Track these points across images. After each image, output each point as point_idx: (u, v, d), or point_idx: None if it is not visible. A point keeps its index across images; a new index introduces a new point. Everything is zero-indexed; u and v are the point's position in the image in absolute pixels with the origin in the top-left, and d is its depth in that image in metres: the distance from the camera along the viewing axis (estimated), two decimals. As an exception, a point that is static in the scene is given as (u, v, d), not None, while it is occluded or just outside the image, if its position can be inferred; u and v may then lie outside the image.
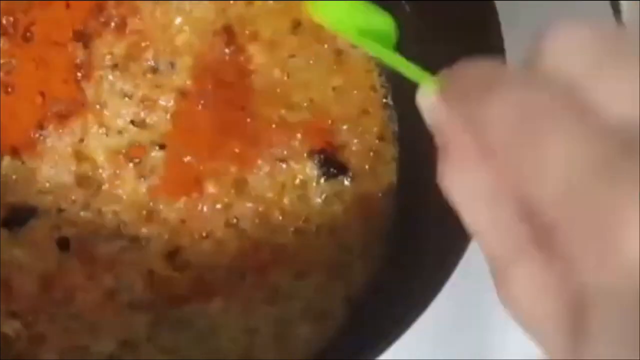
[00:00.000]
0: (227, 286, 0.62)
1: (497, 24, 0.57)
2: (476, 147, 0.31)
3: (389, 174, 0.67)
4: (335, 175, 0.66)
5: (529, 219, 0.30)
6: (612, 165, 0.26)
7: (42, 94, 0.65)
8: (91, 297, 0.61)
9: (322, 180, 0.66)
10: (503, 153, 0.29)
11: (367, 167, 0.67)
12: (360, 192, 0.66)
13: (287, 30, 0.69)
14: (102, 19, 0.67)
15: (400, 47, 0.68)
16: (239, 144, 0.65)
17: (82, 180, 0.64)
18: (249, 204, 0.64)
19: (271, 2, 0.70)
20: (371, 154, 0.67)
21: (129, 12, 0.68)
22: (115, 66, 0.67)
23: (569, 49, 0.29)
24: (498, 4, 0.58)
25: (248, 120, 0.66)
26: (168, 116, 0.66)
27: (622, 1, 0.58)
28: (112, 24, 0.67)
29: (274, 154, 0.66)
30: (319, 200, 0.65)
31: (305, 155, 0.66)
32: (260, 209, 0.64)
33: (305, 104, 0.67)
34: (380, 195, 0.66)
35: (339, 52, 0.70)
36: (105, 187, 0.64)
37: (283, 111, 0.67)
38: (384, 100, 0.69)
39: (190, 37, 0.68)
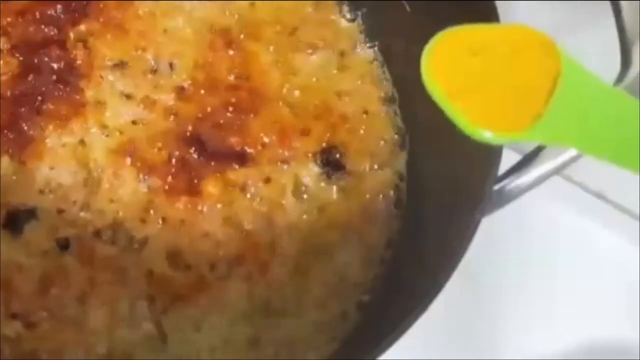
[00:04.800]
0: (227, 286, 0.62)
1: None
2: None
3: (390, 175, 0.67)
4: (336, 176, 0.66)
5: None
6: None
7: (42, 95, 0.65)
8: (91, 298, 0.61)
9: (323, 180, 0.66)
10: None
11: (368, 167, 0.67)
12: (362, 193, 0.66)
13: (289, 31, 0.69)
14: (102, 19, 0.67)
15: (401, 47, 0.68)
16: (240, 144, 0.65)
17: (82, 181, 0.64)
18: (250, 204, 0.64)
19: (274, 2, 0.70)
20: (373, 154, 0.67)
21: (129, 12, 0.68)
22: (115, 66, 0.67)
23: None
24: (498, 4, 0.58)
25: (249, 120, 0.66)
26: (168, 116, 0.66)
27: (622, 1, 0.57)
28: (113, 24, 0.67)
29: (275, 155, 0.65)
30: (319, 200, 0.65)
31: (306, 156, 0.66)
32: (260, 209, 0.64)
33: (307, 105, 0.67)
34: (381, 195, 0.66)
35: (342, 53, 0.70)
36: (105, 187, 0.63)
37: (285, 111, 0.67)
38: (387, 101, 0.69)
39: (191, 37, 0.68)
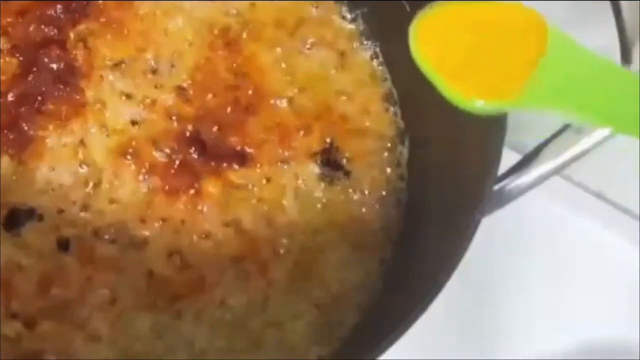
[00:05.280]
0: (227, 286, 0.62)
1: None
2: None
3: (390, 174, 0.67)
4: (336, 176, 0.66)
5: None
6: None
7: (42, 95, 0.65)
8: (91, 297, 0.61)
9: (323, 180, 0.66)
10: None
11: (368, 167, 0.67)
12: (362, 193, 0.66)
13: (289, 31, 0.69)
14: (102, 19, 0.67)
15: (401, 47, 0.68)
16: (240, 144, 0.65)
17: (82, 181, 0.64)
18: (250, 204, 0.64)
19: (274, 2, 0.70)
20: (372, 154, 0.67)
21: (129, 12, 0.68)
22: (115, 66, 0.67)
23: None
24: (498, 4, 0.58)
25: (249, 120, 0.66)
26: (168, 116, 0.66)
27: (622, 1, 0.57)
28: (113, 24, 0.67)
29: (275, 155, 0.66)
30: (320, 200, 0.65)
31: (306, 156, 0.66)
32: (260, 209, 0.64)
33: (307, 104, 0.67)
34: (381, 195, 0.66)
35: (342, 53, 0.70)
36: (105, 187, 0.63)
37: (285, 111, 0.67)
38: (387, 101, 0.69)
39: (191, 38, 0.68)
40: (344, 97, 0.68)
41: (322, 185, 0.66)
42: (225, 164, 0.64)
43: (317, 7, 0.71)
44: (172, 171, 0.64)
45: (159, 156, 0.64)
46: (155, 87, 0.66)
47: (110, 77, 0.66)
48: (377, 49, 0.70)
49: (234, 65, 0.68)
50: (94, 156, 0.64)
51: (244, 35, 0.69)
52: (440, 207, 0.61)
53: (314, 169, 0.66)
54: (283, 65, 0.68)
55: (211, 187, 0.64)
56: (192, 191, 0.64)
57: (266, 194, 0.65)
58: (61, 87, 0.65)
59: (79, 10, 0.67)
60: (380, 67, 0.70)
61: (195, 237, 0.63)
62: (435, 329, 0.62)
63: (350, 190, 0.66)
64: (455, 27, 0.43)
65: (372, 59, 0.70)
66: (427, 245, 0.61)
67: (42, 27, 0.66)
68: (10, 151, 0.63)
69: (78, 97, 0.65)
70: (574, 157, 0.56)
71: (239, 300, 0.62)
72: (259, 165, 0.65)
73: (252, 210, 0.64)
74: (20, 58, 0.66)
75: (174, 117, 0.66)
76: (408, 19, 0.66)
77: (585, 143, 0.56)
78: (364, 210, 0.65)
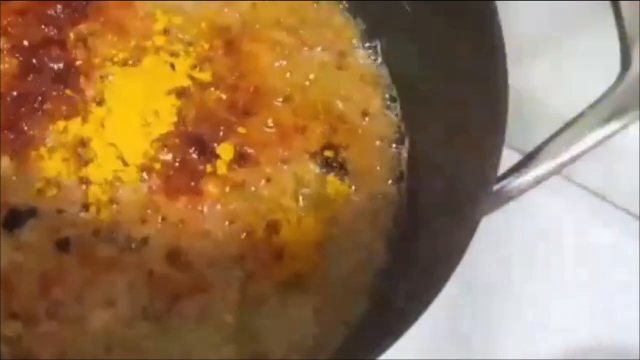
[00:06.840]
0: (227, 286, 0.62)
1: (498, 24, 0.57)
2: None
3: (389, 174, 0.67)
4: (336, 176, 0.66)
5: None
6: None
7: (42, 95, 0.65)
8: (91, 297, 0.61)
9: (323, 180, 0.66)
10: None
11: (368, 167, 0.67)
12: (361, 193, 0.66)
13: (289, 31, 0.70)
14: (102, 19, 0.67)
15: (401, 47, 0.68)
16: (240, 144, 0.65)
17: (82, 181, 0.64)
18: (250, 204, 0.64)
19: (274, 2, 0.70)
20: (372, 154, 0.67)
21: (129, 12, 0.68)
22: (115, 66, 0.67)
23: None
24: (498, 4, 0.58)
25: (249, 120, 0.66)
26: (169, 117, 0.66)
27: (622, 1, 0.58)
28: (113, 24, 0.67)
29: (275, 155, 0.66)
30: (319, 200, 0.65)
31: (306, 156, 0.66)
32: (260, 209, 0.64)
33: (307, 105, 0.67)
34: (380, 195, 0.66)
35: (342, 53, 0.70)
36: (105, 187, 0.63)
37: (285, 111, 0.67)
38: (387, 101, 0.69)
39: (191, 38, 0.68)
40: (343, 98, 0.68)
41: (322, 184, 0.66)
42: (226, 164, 0.64)
43: (317, 8, 0.71)
44: (172, 171, 0.64)
45: (159, 156, 0.64)
46: (155, 87, 0.67)
47: (110, 77, 0.66)
48: (377, 49, 0.70)
49: (234, 65, 0.68)
50: (94, 156, 0.64)
51: (244, 35, 0.69)
52: (440, 207, 0.61)
53: (314, 168, 0.66)
54: (283, 65, 0.68)
55: (211, 187, 0.64)
56: (192, 191, 0.64)
57: (266, 194, 0.65)
58: (61, 87, 0.65)
59: (79, 10, 0.67)
60: (380, 67, 0.70)
61: (195, 236, 0.63)
62: (435, 329, 0.62)
63: (350, 189, 0.66)
64: None
65: (372, 58, 0.70)
66: (426, 245, 0.61)
67: (42, 27, 0.66)
68: (10, 151, 0.63)
69: (78, 97, 0.65)
70: (573, 157, 0.56)
71: (239, 300, 0.62)
72: (259, 165, 0.65)
73: (252, 210, 0.64)
74: (20, 58, 0.66)
75: (174, 117, 0.66)
76: (408, 19, 0.67)
77: (585, 143, 0.56)
78: (363, 209, 0.66)
